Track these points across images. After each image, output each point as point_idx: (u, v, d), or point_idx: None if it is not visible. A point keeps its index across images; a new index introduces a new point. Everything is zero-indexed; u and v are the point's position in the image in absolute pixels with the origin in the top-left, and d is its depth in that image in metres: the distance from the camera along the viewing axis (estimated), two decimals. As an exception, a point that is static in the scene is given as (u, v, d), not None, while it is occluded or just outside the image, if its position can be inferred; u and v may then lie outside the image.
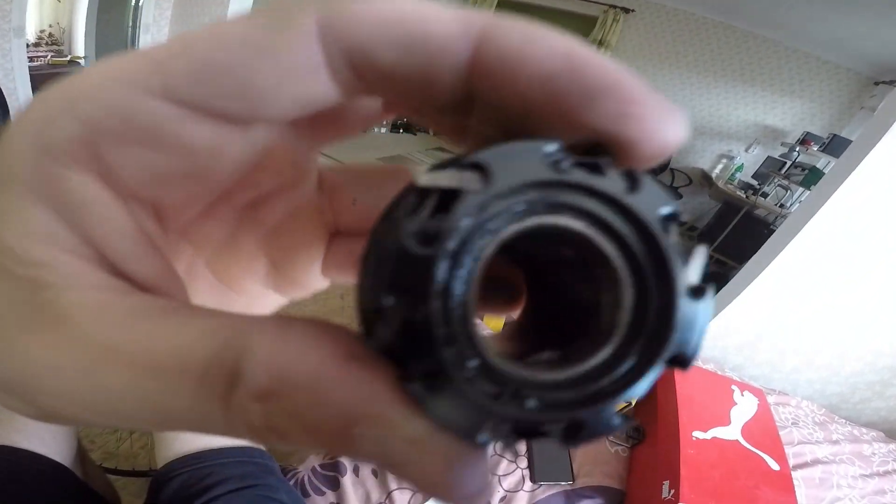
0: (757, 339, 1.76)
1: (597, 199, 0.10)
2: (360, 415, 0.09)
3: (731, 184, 4.18)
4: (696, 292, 0.10)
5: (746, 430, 1.16)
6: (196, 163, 0.12)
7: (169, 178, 0.12)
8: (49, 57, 3.66)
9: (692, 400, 1.18)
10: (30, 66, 2.72)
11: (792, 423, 1.43)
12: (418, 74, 0.10)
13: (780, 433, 1.21)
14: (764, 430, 1.18)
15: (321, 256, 0.19)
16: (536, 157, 0.10)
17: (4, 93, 2.22)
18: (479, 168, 0.09)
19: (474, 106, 0.11)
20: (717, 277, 3.80)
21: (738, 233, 3.82)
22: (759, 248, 1.68)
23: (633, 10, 4.65)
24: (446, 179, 0.09)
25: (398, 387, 0.09)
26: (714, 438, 1.10)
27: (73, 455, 0.59)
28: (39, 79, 2.81)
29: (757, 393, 1.29)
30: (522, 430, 0.10)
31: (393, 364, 0.10)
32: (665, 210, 0.10)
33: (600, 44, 4.80)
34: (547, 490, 1.05)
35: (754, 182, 4.15)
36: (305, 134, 0.16)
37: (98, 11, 3.84)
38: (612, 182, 0.10)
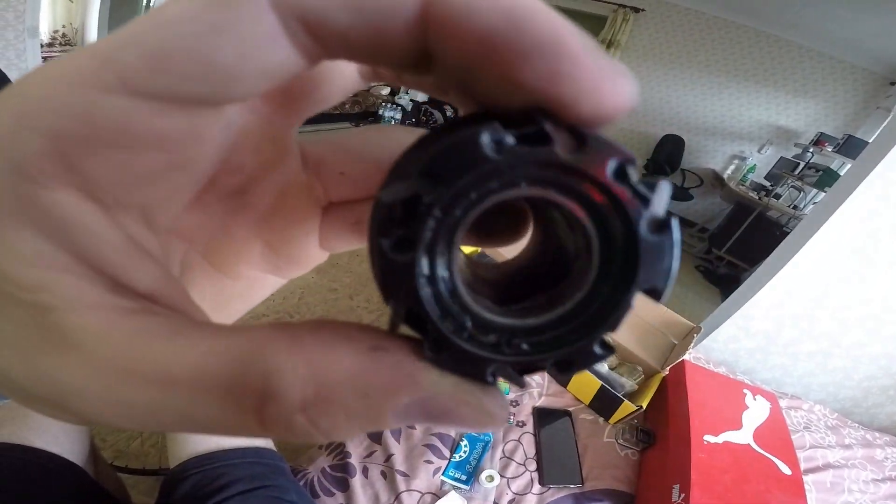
0: (769, 342, 1.74)
1: (547, 168, 0.11)
2: (401, 388, 0.10)
3: (743, 185, 4.13)
4: (659, 226, 0.11)
5: (758, 434, 1.15)
6: (172, 155, 0.12)
7: (148, 176, 0.12)
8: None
9: (704, 404, 1.17)
10: None
11: (804, 427, 1.41)
12: (373, 33, 0.10)
13: (792, 437, 1.20)
14: (776, 434, 1.17)
15: (317, 231, 0.19)
16: (478, 146, 0.10)
17: None
18: (429, 174, 0.10)
19: (434, 65, 0.11)
20: (729, 279, 3.78)
21: (750, 234, 3.78)
22: (772, 249, 1.66)
23: (643, 10, 4.62)
24: (402, 192, 0.11)
25: (420, 357, 0.11)
26: (726, 442, 1.09)
27: (85, 454, 0.60)
28: None
29: (769, 397, 1.28)
30: (522, 368, 0.12)
31: (410, 342, 0.12)
32: (615, 160, 0.11)
33: (610, 44, 4.77)
34: (556, 493, 1.05)
35: (767, 183, 4.10)
36: (280, 110, 0.16)
37: (110, 11, 3.89)
38: (557, 146, 0.10)
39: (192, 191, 0.14)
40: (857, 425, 1.51)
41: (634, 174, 0.11)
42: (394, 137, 0.17)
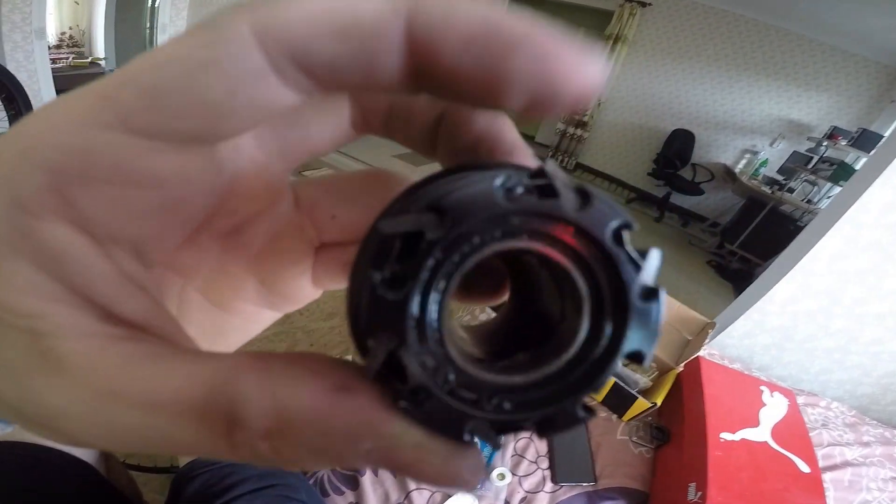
0: (785, 338, 1.72)
1: (550, 220, 0.11)
2: (362, 434, 0.10)
3: (755, 179, 4.08)
4: (649, 294, 0.11)
5: (776, 431, 1.13)
6: (165, 193, 0.12)
7: (140, 213, 0.12)
8: (70, 59, 3.74)
9: (720, 401, 1.15)
10: (52, 68, 2.78)
11: (822, 425, 1.40)
12: (360, 60, 0.10)
13: (810, 435, 1.18)
14: (794, 431, 1.16)
15: (309, 270, 0.19)
16: (489, 190, 0.10)
17: (29, 94, 2.27)
18: (436, 210, 0.10)
19: (421, 91, 0.11)
20: (742, 275, 3.75)
21: (762, 229, 3.73)
22: (786, 244, 1.64)
23: (650, 4, 4.58)
24: (406, 225, 0.10)
25: (391, 404, 0.11)
26: (743, 440, 1.08)
27: (97, 452, 0.60)
28: (62, 80, 2.87)
29: (787, 394, 1.26)
30: (501, 427, 0.11)
31: (385, 386, 0.11)
32: (615, 222, 0.11)
33: (616, 39, 4.75)
34: (568, 491, 1.04)
35: (779, 177, 4.04)
36: (274, 157, 0.16)
37: (116, 12, 3.91)
38: (563, 201, 0.11)
39: (185, 230, 0.15)
40: (875, 423, 1.49)
41: (628, 239, 0.11)
42: (386, 183, 0.18)
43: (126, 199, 0.11)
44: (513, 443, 1.10)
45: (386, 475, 0.96)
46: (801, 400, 1.38)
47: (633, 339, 0.11)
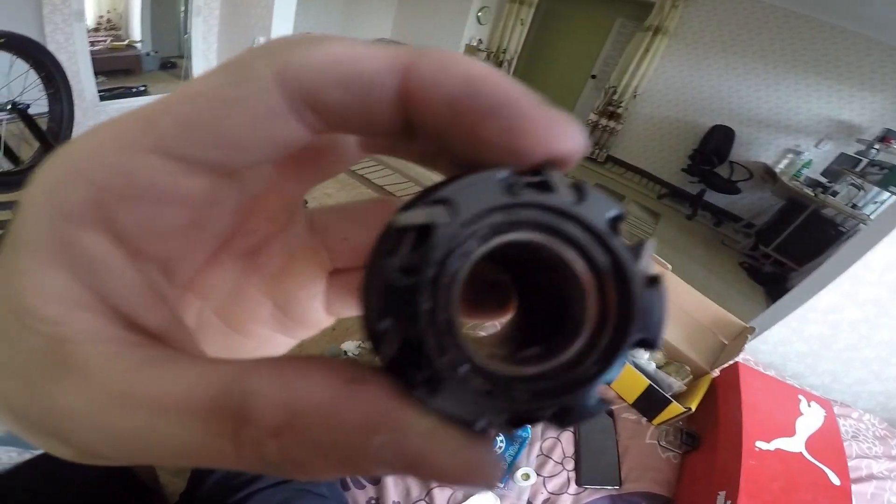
0: (823, 347, 1.66)
1: (550, 212, 0.12)
2: (374, 424, 0.10)
3: (796, 180, 3.91)
4: (650, 281, 0.12)
5: (811, 442, 1.09)
6: (194, 213, 0.13)
7: (171, 230, 0.13)
8: (108, 41, 3.81)
9: (757, 408, 1.11)
10: (91, 50, 2.84)
11: (852, 437, 1.36)
12: (359, 107, 0.12)
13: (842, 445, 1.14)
14: (829, 443, 1.11)
15: (322, 294, 0.20)
16: (492, 184, 0.11)
17: (68, 74, 2.32)
18: (445, 203, 0.11)
19: (416, 131, 0.13)
20: (775, 279, 3.64)
21: (801, 233, 3.60)
22: (825, 249, 1.58)
23: (695, -5, 4.42)
24: (418, 217, 0.11)
25: (404, 394, 0.11)
26: (777, 450, 1.04)
27: None
28: (99, 62, 2.94)
29: (824, 404, 1.22)
30: (516, 419, 0.11)
31: (397, 376, 0.11)
32: (610, 213, 0.12)
33: (657, 30, 4.62)
34: (592, 494, 1.02)
35: (823, 179, 3.86)
36: (291, 178, 0.17)
37: None
38: (561, 195, 0.11)
39: (210, 249, 0.16)
40: None
41: (623, 229, 0.12)
42: (395, 208, 0.18)
43: (159, 216, 0.12)
44: (539, 442, 1.08)
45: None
46: (835, 410, 1.34)
47: (638, 326, 0.12)
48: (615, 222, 0.12)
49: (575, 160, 0.12)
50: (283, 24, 2.96)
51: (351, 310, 0.20)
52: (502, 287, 0.18)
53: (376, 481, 0.93)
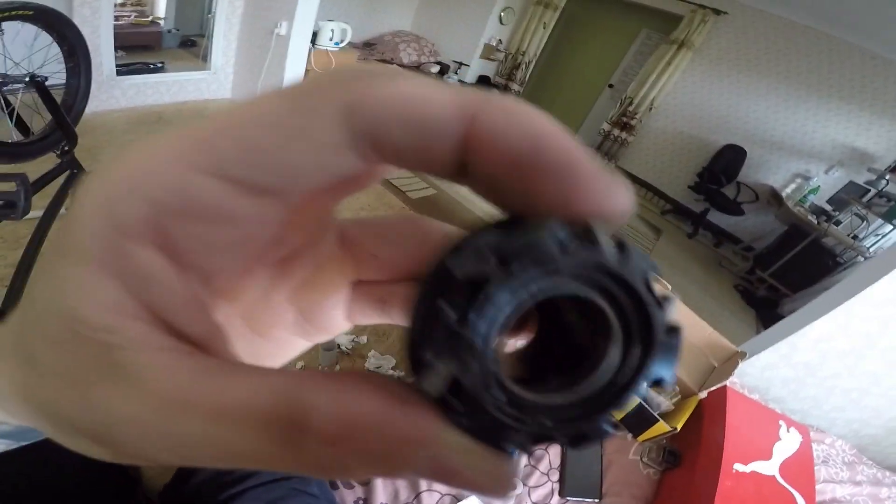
0: (808, 374, 1.68)
1: (595, 268, 0.12)
2: (421, 440, 0.11)
3: (801, 206, 3.90)
4: (671, 330, 0.13)
5: (785, 466, 1.13)
6: (242, 232, 0.14)
7: (220, 247, 0.14)
8: (133, 17, 3.81)
9: (739, 431, 1.14)
10: (114, 25, 2.84)
11: (822, 461, 1.41)
12: (422, 149, 0.12)
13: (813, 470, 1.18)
14: (802, 468, 1.15)
15: (343, 303, 0.20)
16: (548, 243, 0.12)
17: (90, 48, 2.31)
18: (502, 259, 0.12)
19: (469, 175, 0.13)
20: (767, 303, 3.64)
21: (798, 260, 3.61)
22: (820, 278, 1.59)
23: (725, 13, 4.38)
24: (476, 268, 0.12)
25: (446, 417, 0.12)
26: (753, 472, 1.08)
27: None
28: (121, 37, 2.93)
29: (802, 430, 1.25)
30: (539, 439, 0.13)
31: (438, 402, 0.12)
32: (648, 272, 0.13)
33: (682, 44, 4.58)
34: (573, 505, 1.04)
35: (828, 207, 3.85)
36: (326, 194, 0.17)
37: None
38: (605, 253, 0.12)
39: (250, 262, 0.16)
40: (871, 462, 1.50)
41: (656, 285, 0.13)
42: (423, 229, 0.19)
43: (209, 233, 0.13)
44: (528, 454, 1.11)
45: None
46: (811, 436, 1.38)
47: (657, 368, 0.13)
48: (649, 277, 0.13)
49: (624, 220, 0.13)
50: (307, 9, 2.95)
51: (369, 318, 0.20)
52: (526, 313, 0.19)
53: (366, 483, 0.95)
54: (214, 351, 0.14)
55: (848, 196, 3.76)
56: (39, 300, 0.13)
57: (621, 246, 0.13)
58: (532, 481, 1.07)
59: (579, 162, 0.12)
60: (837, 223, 3.67)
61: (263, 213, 0.13)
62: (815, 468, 1.29)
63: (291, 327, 0.20)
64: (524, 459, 1.09)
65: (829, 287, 1.58)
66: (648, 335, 0.13)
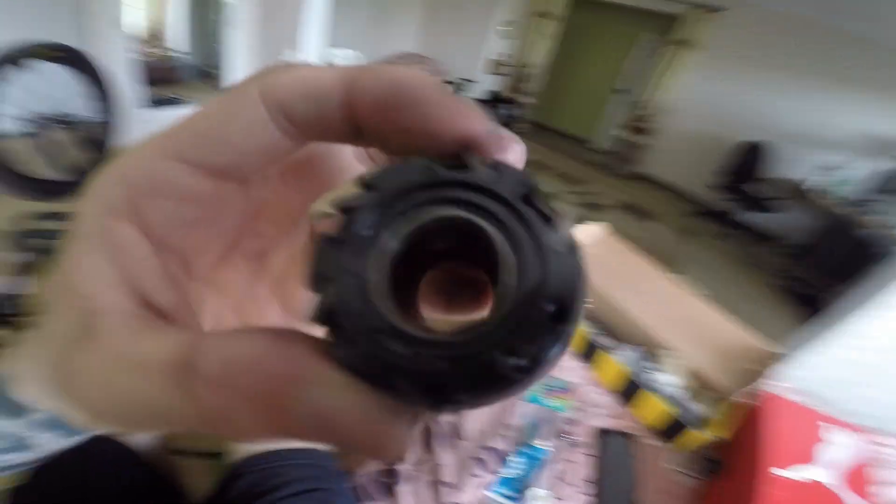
0: (855, 372, 1.58)
1: (467, 188, 0.13)
2: (296, 378, 0.11)
3: (832, 199, 3.78)
4: (569, 247, 0.12)
5: (836, 470, 1.05)
6: (206, 211, 0.16)
7: (186, 224, 0.16)
8: (149, 50, 4.02)
9: (781, 436, 1.07)
10: (138, 60, 3.09)
11: (878, 464, 1.29)
12: (317, 114, 0.14)
13: (867, 472, 1.09)
14: (853, 471, 1.07)
15: None
16: (413, 168, 0.13)
17: (116, 83, 2.44)
18: (368, 186, 0.13)
19: (365, 142, 0.15)
20: (805, 300, 3.52)
21: (835, 253, 3.49)
22: (861, 270, 1.51)
23: (723, 9, 4.38)
24: (344, 199, 0.13)
25: (326, 353, 0.12)
26: (801, 478, 1.00)
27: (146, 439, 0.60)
28: (145, 71, 3.16)
29: (851, 431, 1.17)
30: (432, 387, 0.11)
31: (321, 334, 0.12)
32: (525, 187, 0.13)
33: (682, 43, 4.57)
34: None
35: (861, 198, 3.72)
36: (294, 189, 0.19)
37: (191, 8, 4.19)
38: (478, 173, 0.13)
39: (220, 246, 0.18)
40: None
41: (541, 199, 0.13)
42: None
43: (177, 211, 0.15)
44: (555, 464, 1.06)
45: (421, 486, 0.95)
46: (866, 437, 1.29)
47: (557, 288, 0.12)
48: (530, 194, 0.13)
49: (488, 143, 0.13)
50: (312, 38, 3.04)
51: None
52: (480, 283, 0.19)
53: (389, 495, 0.92)
54: (181, 321, 0.16)
55: (882, 186, 3.64)
56: (52, 278, 0.15)
57: (495, 166, 0.13)
58: (561, 492, 1.01)
59: (429, 91, 0.13)
60: (873, 213, 3.53)
61: (223, 194, 0.16)
62: (872, 470, 1.20)
63: (278, 319, 0.21)
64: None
65: (875, 280, 1.48)
66: (540, 252, 0.12)
